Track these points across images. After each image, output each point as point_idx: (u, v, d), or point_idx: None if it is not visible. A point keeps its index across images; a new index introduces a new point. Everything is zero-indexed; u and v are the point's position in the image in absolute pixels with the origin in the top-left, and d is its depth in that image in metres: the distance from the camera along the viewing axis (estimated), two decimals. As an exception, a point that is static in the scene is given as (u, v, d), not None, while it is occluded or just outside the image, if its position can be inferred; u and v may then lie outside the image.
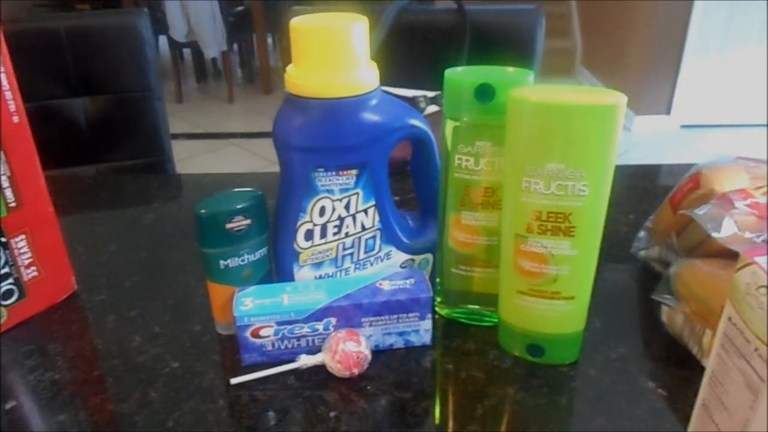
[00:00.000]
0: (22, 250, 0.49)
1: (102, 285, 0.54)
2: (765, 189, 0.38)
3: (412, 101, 0.77)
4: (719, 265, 0.39)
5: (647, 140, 2.91)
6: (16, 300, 0.49)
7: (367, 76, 0.40)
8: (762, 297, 0.26)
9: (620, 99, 0.34)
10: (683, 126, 3.01)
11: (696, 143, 2.82)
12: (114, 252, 0.60)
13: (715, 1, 2.71)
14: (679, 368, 0.41)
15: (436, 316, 0.48)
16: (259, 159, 2.76)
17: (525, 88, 0.37)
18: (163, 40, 3.45)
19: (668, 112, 3.00)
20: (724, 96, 2.94)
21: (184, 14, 3.19)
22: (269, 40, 3.91)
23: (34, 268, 0.50)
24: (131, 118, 1.00)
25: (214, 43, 3.29)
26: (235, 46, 3.88)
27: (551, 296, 0.39)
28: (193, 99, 3.63)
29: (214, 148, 2.92)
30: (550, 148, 0.35)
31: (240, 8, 3.54)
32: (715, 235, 0.37)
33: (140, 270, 0.56)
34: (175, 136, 1.21)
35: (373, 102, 0.40)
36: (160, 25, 3.20)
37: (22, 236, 0.48)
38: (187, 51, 3.74)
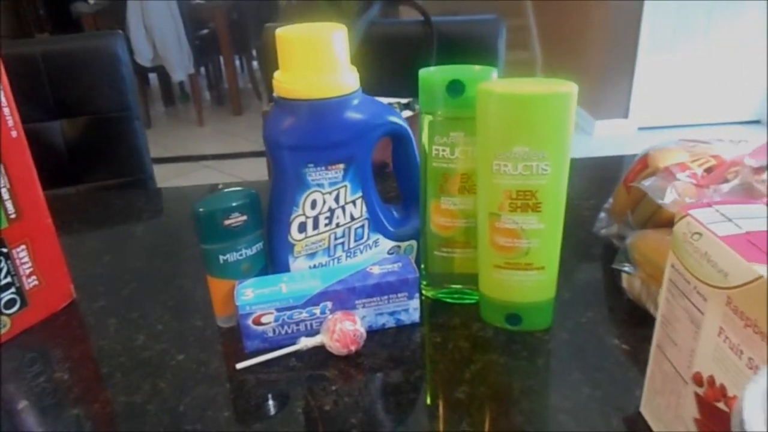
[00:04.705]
0: (23, 260, 0.51)
1: (100, 293, 0.57)
2: (701, 161, 0.44)
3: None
4: (667, 232, 0.43)
5: (607, 143, 3.03)
6: (19, 309, 0.51)
7: (349, 79, 0.44)
8: (696, 242, 0.30)
9: (572, 88, 0.39)
10: (640, 128, 3.15)
11: (652, 143, 2.95)
12: (108, 263, 0.62)
13: (661, 12, 2.86)
14: (639, 326, 0.46)
15: (423, 298, 0.52)
16: (234, 179, 2.77)
17: (491, 82, 0.42)
18: (128, 65, 3.44)
19: (626, 116, 3.14)
20: (675, 99, 3.10)
21: (149, 39, 3.20)
22: (237, 62, 3.94)
23: (34, 277, 0.52)
24: (111, 139, 1.02)
25: (180, 66, 3.30)
26: (203, 69, 3.90)
27: (524, 268, 0.44)
28: (161, 123, 3.62)
29: (186, 171, 2.92)
30: (516, 134, 0.40)
31: (205, 31, 3.57)
32: (660, 202, 0.42)
33: (137, 277, 0.59)
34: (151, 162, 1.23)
35: (355, 102, 0.45)
36: (126, 50, 3.20)
37: (23, 246, 0.51)
38: (152, 76, 3.74)
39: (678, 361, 0.33)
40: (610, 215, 0.56)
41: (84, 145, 1.01)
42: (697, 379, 0.31)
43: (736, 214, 0.31)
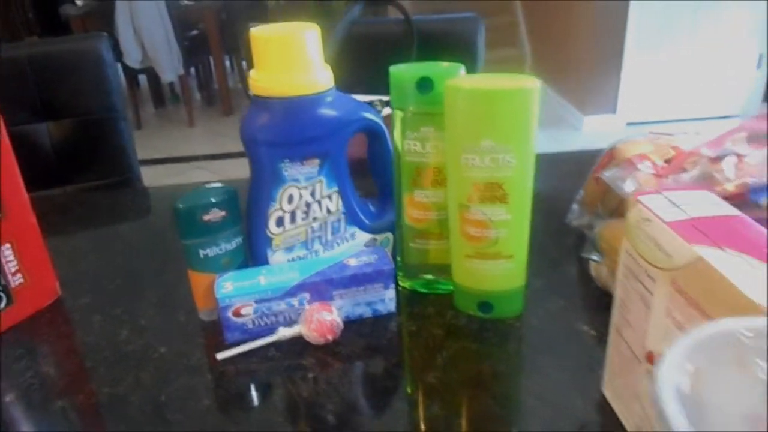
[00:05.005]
0: (8, 258, 0.52)
1: (85, 290, 0.58)
2: (662, 152, 0.45)
3: (369, 105, 0.83)
4: (632, 220, 0.46)
5: (596, 139, 3.06)
6: (5, 306, 0.52)
7: (322, 77, 0.45)
8: (646, 228, 0.32)
9: (535, 83, 0.41)
10: (629, 123, 3.17)
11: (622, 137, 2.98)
12: (94, 261, 0.63)
13: (647, 10, 2.89)
14: (607, 313, 0.47)
15: (399, 288, 0.53)
16: (226, 180, 2.77)
17: (458, 79, 0.43)
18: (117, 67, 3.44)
19: (614, 112, 3.17)
20: (662, 94, 3.13)
21: (138, 40, 3.20)
22: (227, 62, 3.94)
23: (20, 275, 0.53)
24: (98, 140, 1.03)
25: (170, 67, 3.30)
26: (192, 70, 3.90)
27: (494, 257, 0.45)
28: (152, 125, 3.62)
29: (178, 172, 2.92)
30: (482, 128, 0.42)
31: (194, 32, 3.57)
32: (619, 192, 0.44)
33: (121, 274, 0.60)
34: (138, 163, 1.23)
35: (329, 99, 0.46)
36: (114, 52, 3.19)
37: (8, 245, 0.52)
38: (142, 78, 3.73)
39: (633, 342, 0.35)
40: (581, 206, 0.58)
41: (71, 147, 1.01)
42: (650, 358, 0.33)
43: (684, 200, 0.33)
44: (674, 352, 0.19)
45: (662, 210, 0.32)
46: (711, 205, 0.32)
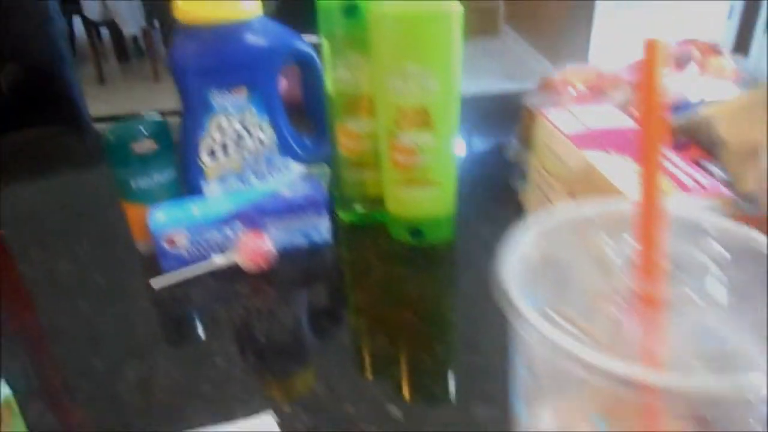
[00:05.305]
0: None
1: (26, 225, 0.58)
2: (585, 79, 0.46)
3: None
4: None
5: (567, 91, 3.06)
6: (-58, 245, 0.52)
7: (249, 4, 0.45)
8: (550, 142, 0.33)
9: (455, 6, 0.41)
10: (600, 75, 3.18)
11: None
12: (37, 200, 0.63)
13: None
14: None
15: (336, 219, 0.54)
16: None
17: (382, 3, 0.43)
18: (78, 22, 3.30)
19: (585, 62, 3.16)
20: (633, 43, 3.13)
21: (97, -9, 3.06)
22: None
23: (-44, 214, 0.53)
24: (44, 88, 1.00)
25: (132, 19, 3.18)
26: (156, 23, 3.75)
27: (422, 183, 0.46)
28: (116, 80, 3.51)
29: (143, 127, 2.84)
30: (405, 52, 0.42)
31: (156, -17, 3.41)
32: (539, 116, 0.45)
33: (64, 212, 0.60)
34: (100, 120, 1.18)
35: (257, 27, 0.46)
36: (73, 5, 3.05)
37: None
38: (105, 34, 3.59)
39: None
40: (519, 139, 0.59)
41: (16, 95, 0.98)
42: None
43: (587, 115, 0.34)
44: (521, 233, 0.21)
45: (564, 124, 0.33)
46: (611, 118, 0.34)
